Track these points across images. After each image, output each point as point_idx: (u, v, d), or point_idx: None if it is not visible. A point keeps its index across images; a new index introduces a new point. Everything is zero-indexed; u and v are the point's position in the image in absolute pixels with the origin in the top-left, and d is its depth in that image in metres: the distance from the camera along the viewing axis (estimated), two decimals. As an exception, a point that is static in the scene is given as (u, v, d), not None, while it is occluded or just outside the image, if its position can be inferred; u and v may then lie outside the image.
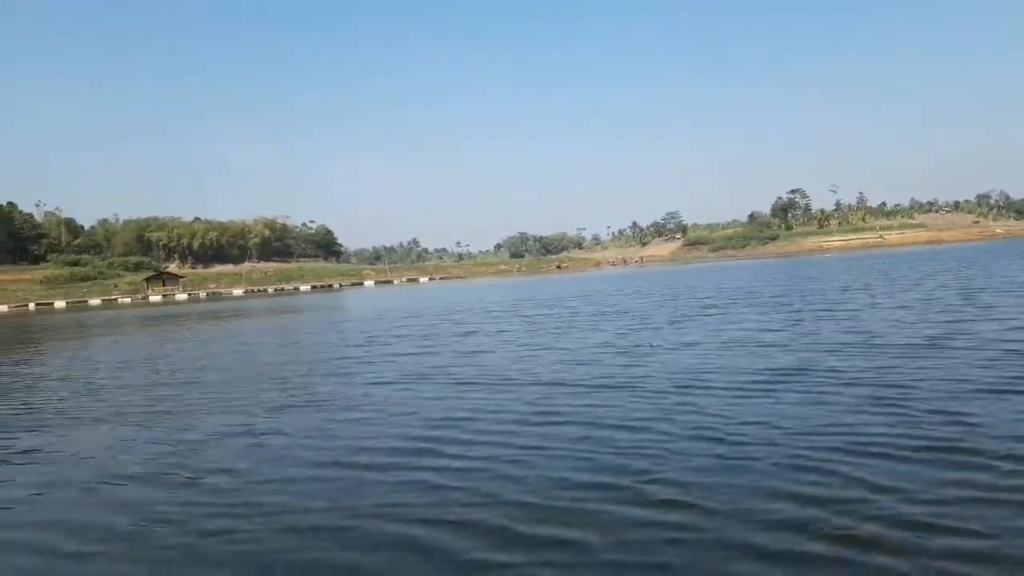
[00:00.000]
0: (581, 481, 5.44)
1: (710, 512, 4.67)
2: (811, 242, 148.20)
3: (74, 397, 11.77)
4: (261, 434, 7.89)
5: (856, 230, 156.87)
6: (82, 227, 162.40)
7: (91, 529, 5.22)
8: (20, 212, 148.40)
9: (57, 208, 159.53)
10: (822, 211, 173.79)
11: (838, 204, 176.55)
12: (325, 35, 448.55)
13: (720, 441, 6.21)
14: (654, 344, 13.03)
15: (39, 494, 6.21)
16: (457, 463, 6.15)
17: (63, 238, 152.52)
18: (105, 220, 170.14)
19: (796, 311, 18.06)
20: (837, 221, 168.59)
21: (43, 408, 10.85)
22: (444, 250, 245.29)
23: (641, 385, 9.08)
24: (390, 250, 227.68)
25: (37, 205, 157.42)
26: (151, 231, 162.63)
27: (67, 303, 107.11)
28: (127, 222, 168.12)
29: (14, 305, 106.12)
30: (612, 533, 4.42)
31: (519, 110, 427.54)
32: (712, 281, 40.55)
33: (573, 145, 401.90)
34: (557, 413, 7.82)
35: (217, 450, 7.32)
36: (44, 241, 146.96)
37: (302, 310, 41.94)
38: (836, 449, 5.74)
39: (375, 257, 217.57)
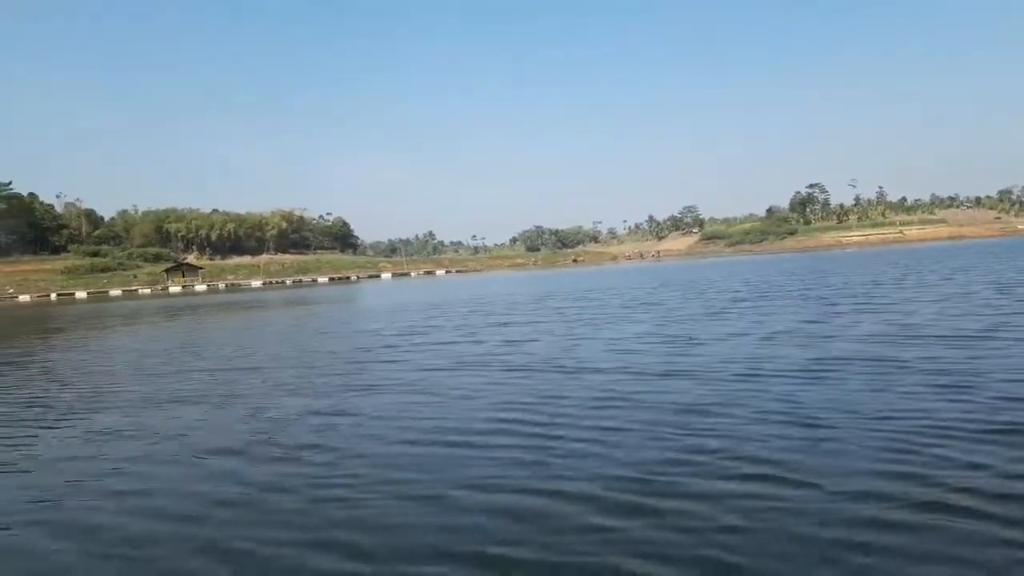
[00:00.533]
0: (666, 458, 5.61)
1: (797, 484, 4.85)
2: (830, 237, 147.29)
3: (136, 381, 12.08)
4: (334, 414, 8.14)
5: (875, 225, 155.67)
6: (102, 218, 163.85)
7: (197, 496, 5.46)
8: (41, 203, 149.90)
9: (77, 199, 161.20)
10: (841, 206, 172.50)
11: (857, 199, 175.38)
12: (329, 32, 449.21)
13: (795, 423, 6.37)
14: (693, 337, 13.09)
15: (134, 467, 6.45)
16: (540, 441, 6.36)
17: (83, 229, 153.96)
18: (124, 211, 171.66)
19: (832, 304, 18.12)
20: (856, 216, 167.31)
21: (108, 391, 11.15)
22: (460, 243, 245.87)
23: (701, 372, 9.25)
24: (406, 243, 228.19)
25: (58, 196, 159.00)
26: (170, 222, 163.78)
27: (88, 294, 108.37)
28: (146, 213, 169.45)
29: (37, 295, 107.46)
30: (706, 502, 4.61)
31: (534, 105, 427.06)
32: (734, 275, 40.55)
33: (590, 139, 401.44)
34: (623, 398, 7.98)
35: (298, 428, 7.57)
36: (64, 232, 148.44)
37: (326, 302, 42.30)
38: (912, 432, 5.87)
39: (391, 250, 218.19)
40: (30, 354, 18.68)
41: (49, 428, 8.51)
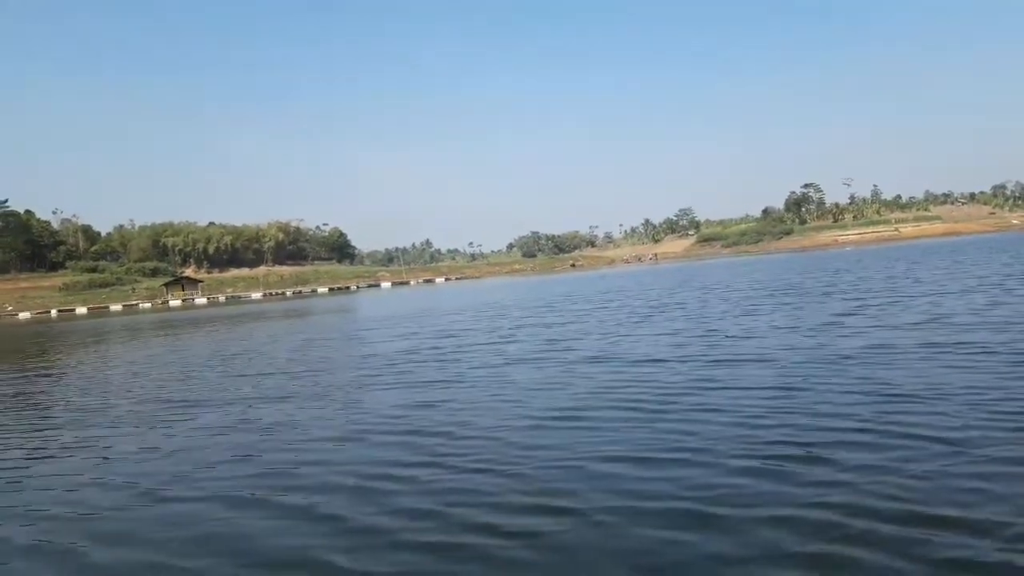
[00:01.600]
0: (768, 438, 5.93)
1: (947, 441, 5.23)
2: (826, 236, 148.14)
3: (207, 385, 12.40)
4: (438, 403, 8.74)
5: (871, 223, 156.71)
6: (99, 233, 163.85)
7: (387, 463, 6.07)
8: (38, 220, 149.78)
9: (74, 215, 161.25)
10: (836, 205, 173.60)
11: (852, 198, 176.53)
12: (332, 35, 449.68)
13: (895, 397, 6.81)
14: (729, 334, 13.34)
15: (301, 447, 7.03)
16: (640, 415, 6.99)
17: (80, 245, 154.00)
18: (121, 226, 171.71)
19: (856, 299, 18.48)
20: (852, 215, 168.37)
21: (207, 390, 11.59)
22: (456, 250, 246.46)
23: (771, 358, 9.73)
24: (403, 251, 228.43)
25: (54, 212, 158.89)
26: (167, 236, 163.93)
27: (88, 309, 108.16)
28: (143, 228, 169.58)
29: (36, 312, 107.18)
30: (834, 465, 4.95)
31: (527, 110, 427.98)
32: (742, 275, 40.94)
33: (584, 143, 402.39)
34: (698, 384, 8.40)
35: (419, 416, 8.07)
36: (62, 248, 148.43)
37: (339, 311, 42.56)
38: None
39: (388, 259, 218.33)
40: (104, 359, 18.98)
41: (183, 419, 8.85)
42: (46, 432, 9.07)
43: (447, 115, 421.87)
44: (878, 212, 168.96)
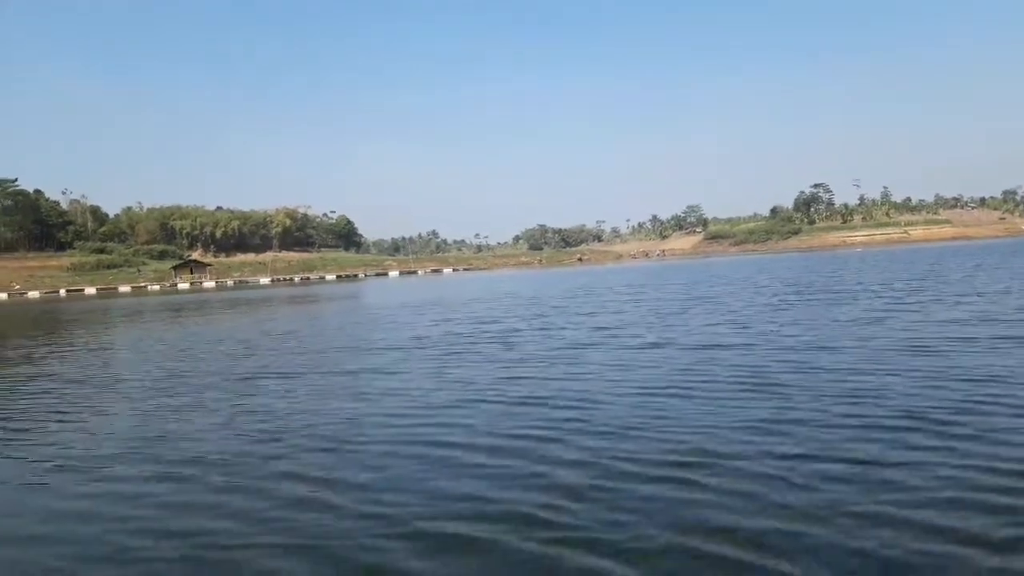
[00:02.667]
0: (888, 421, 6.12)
1: None
2: (834, 237, 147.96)
3: (274, 359, 12.63)
4: (522, 379, 9.11)
5: (880, 225, 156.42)
6: (107, 215, 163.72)
7: (489, 432, 6.26)
8: (47, 200, 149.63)
9: (83, 196, 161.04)
10: (845, 206, 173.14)
11: (862, 199, 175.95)
12: (343, 26, 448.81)
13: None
14: (774, 328, 13.44)
15: (407, 416, 7.32)
16: (739, 384, 7.33)
17: (89, 226, 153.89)
18: (129, 208, 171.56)
19: (894, 295, 18.62)
20: (861, 216, 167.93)
21: (297, 362, 11.77)
22: (463, 242, 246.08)
23: (862, 346, 9.99)
24: (409, 241, 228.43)
25: (64, 193, 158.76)
26: (174, 219, 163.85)
27: (97, 290, 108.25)
28: (151, 210, 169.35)
29: (45, 291, 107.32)
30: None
31: (535, 102, 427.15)
32: (758, 272, 41.06)
33: (592, 137, 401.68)
34: (776, 366, 8.72)
35: (529, 389, 8.48)
36: (70, 228, 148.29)
37: (355, 297, 42.78)
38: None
39: (394, 248, 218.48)
40: (151, 335, 19.17)
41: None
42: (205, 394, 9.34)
43: (454, 107, 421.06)
44: (887, 214, 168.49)
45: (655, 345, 11.69)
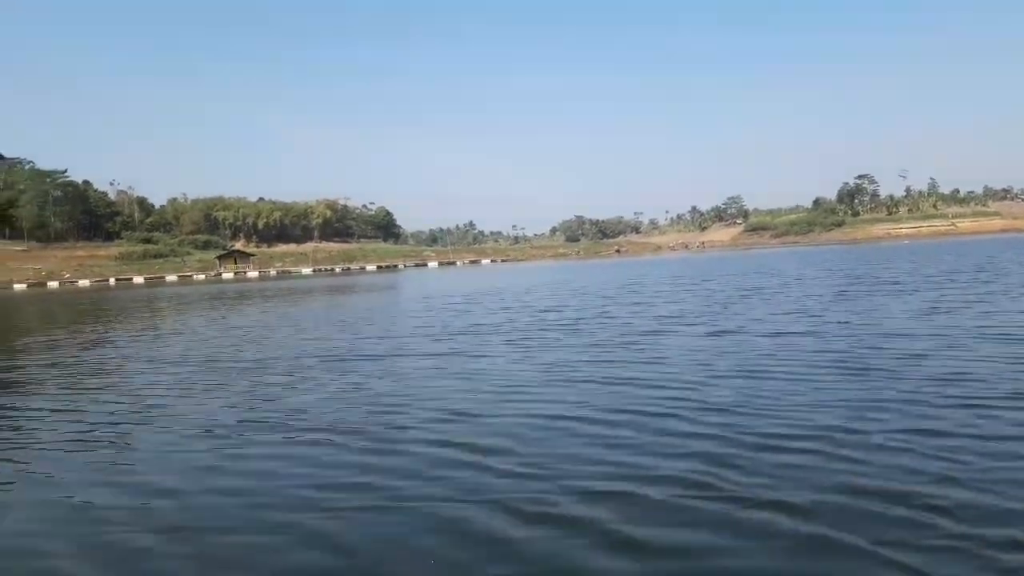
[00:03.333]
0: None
1: None
2: (879, 229, 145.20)
3: (357, 343, 13.25)
4: (606, 363, 9.43)
5: (927, 217, 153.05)
6: (153, 205, 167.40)
7: (604, 408, 6.47)
8: (95, 190, 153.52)
9: (130, 187, 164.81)
10: (891, 197, 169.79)
11: (908, 190, 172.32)
12: (381, 20, 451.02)
13: None
14: (844, 316, 13.52)
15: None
16: (827, 368, 7.66)
17: (136, 216, 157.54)
18: (174, 199, 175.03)
19: (956, 286, 18.55)
20: (907, 208, 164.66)
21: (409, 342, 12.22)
22: (499, 233, 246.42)
23: (939, 334, 10.19)
24: (446, 232, 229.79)
25: (111, 184, 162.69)
26: (218, 210, 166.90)
27: (145, 279, 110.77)
28: (195, 201, 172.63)
29: (94, 280, 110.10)
30: None
31: (572, 93, 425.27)
32: (806, 264, 40.71)
33: (630, 127, 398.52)
34: (871, 353, 8.89)
35: (599, 369, 8.87)
36: (118, 219, 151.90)
37: (401, 287, 43.42)
38: None
39: (432, 239, 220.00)
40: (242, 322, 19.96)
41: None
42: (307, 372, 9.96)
43: (492, 97, 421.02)
44: (934, 206, 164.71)
45: (727, 332, 11.92)
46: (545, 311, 18.71)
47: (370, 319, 19.35)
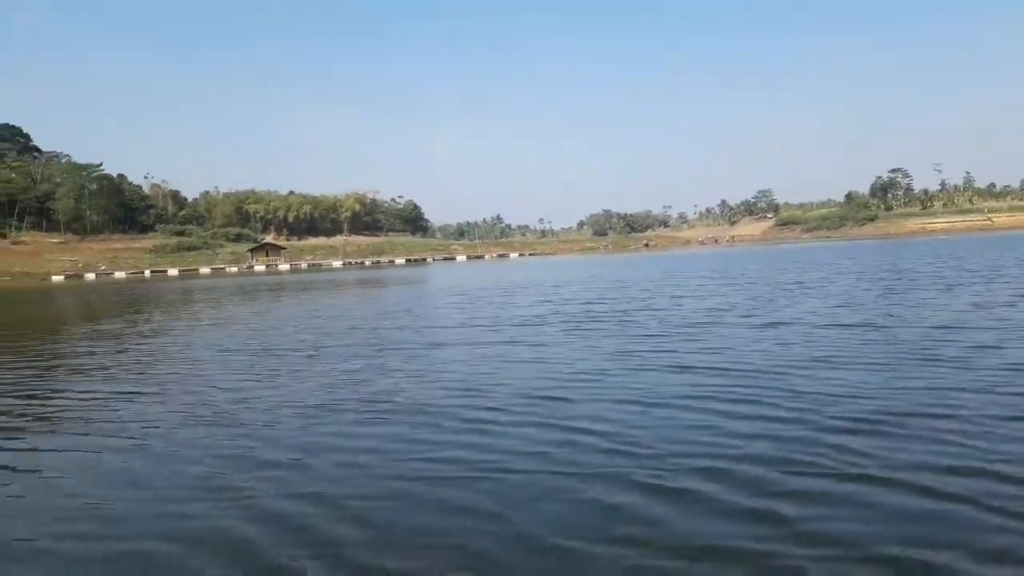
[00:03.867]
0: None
1: None
2: (913, 224, 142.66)
3: (412, 334, 13.68)
4: (667, 352, 9.52)
5: (962, 212, 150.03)
6: (186, 199, 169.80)
7: (685, 396, 6.69)
8: (129, 184, 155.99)
9: (163, 180, 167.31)
10: (925, 191, 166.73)
11: (943, 184, 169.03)
12: (411, 14, 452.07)
13: None
14: (896, 309, 13.55)
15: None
16: (894, 357, 7.56)
17: (169, 209, 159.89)
18: (207, 192, 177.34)
19: (1009, 280, 18.40)
20: (942, 202, 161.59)
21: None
22: (527, 227, 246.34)
23: (1001, 326, 10.35)
24: (473, 226, 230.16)
25: (145, 177, 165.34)
26: (249, 203, 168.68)
27: (179, 271, 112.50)
28: (227, 195, 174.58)
29: (130, 272, 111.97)
30: None
31: (600, 85, 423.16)
32: (843, 258, 40.32)
33: (657, 120, 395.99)
34: (934, 343, 9.03)
35: (661, 357, 8.92)
36: (152, 212, 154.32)
37: (434, 280, 43.74)
38: None
39: (459, 233, 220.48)
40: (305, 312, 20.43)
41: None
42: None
43: (520, 91, 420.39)
44: (970, 201, 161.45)
45: (783, 323, 12.04)
46: (589, 303, 18.88)
47: (416, 311, 19.70)
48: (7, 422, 7.29)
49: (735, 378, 7.45)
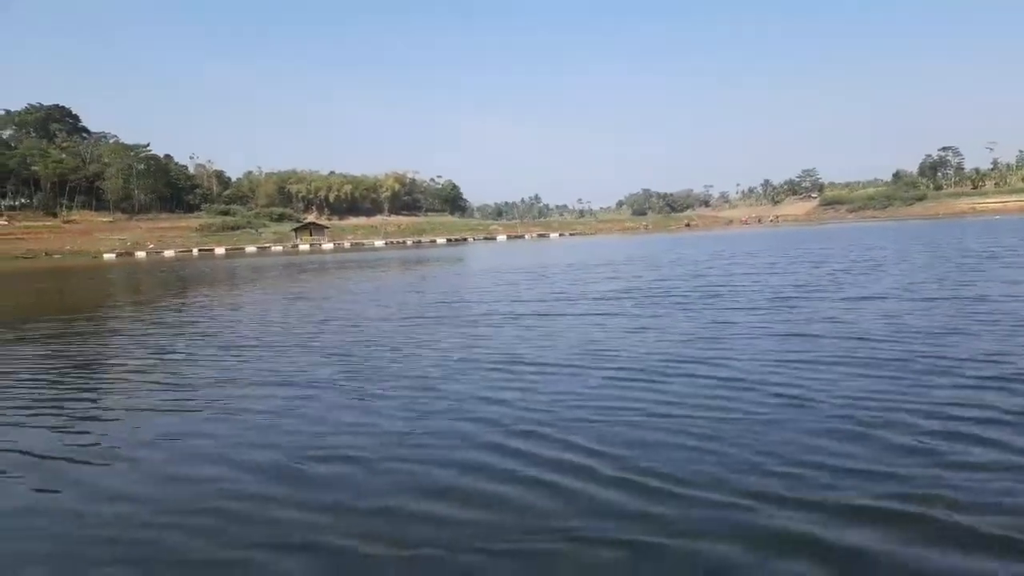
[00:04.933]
0: None
1: None
2: (963, 203, 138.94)
3: (488, 308, 14.02)
4: (792, 321, 9.64)
5: (1014, 191, 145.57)
6: (230, 179, 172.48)
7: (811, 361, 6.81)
8: (176, 164, 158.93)
9: (208, 160, 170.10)
10: (976, 171, 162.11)
11: (995, 163, 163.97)
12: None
13: None
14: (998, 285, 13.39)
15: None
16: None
17: (214, 189, 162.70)
18: (250, 172, 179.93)
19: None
20: (993, 181, 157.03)
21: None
22: (564, 206, 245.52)
23: None
24: (512, 205, 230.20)
25: (191, 158, 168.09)
26: (291, 183, 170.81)
27: (226, 250, 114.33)
28: (269, 175, 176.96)
29: (178, 250, 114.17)
30: None
31: (640, 64, 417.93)
32: (900, 237, 39.66)
33: (698, 99, 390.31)
34: None
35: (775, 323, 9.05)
36: (197, 192, 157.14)
37: (480, 258, 44.09)
38: None
39: (497, 213, 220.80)
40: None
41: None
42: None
43: (559, 71, 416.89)
44: (1023, 179, 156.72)
45: (874, 298, 11.95)
46: (661, 280, 18.87)
47: (481, 288, 19.65)
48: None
49: (864, 343, 7.71)
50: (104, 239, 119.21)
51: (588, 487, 4.02)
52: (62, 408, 6.59)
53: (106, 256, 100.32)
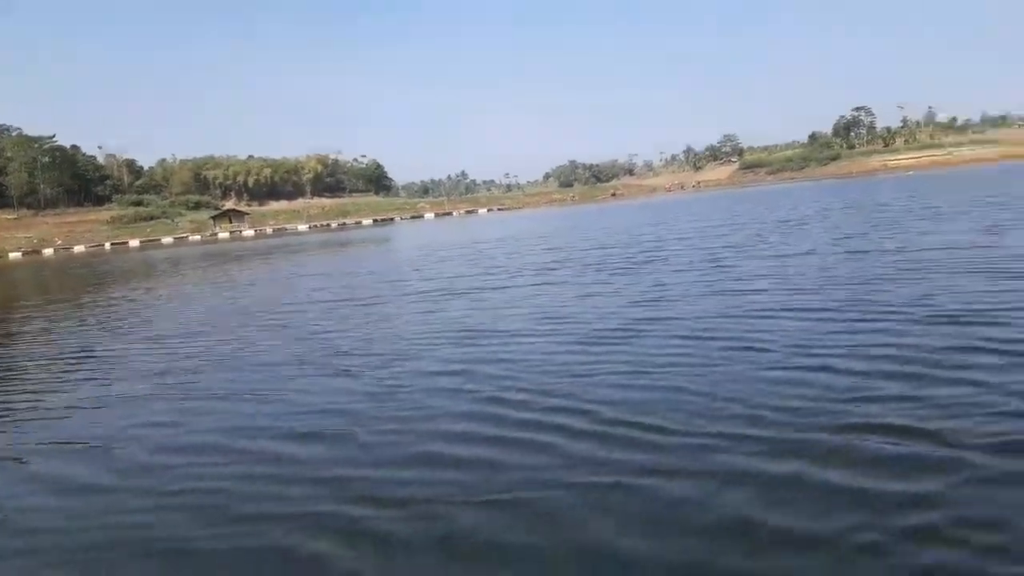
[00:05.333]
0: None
1: None
2: (875, 161, 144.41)
3: (446, 283, 14.04)
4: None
5: (923, 147, 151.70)
6: (142, 168, 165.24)
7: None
8: (83, 155, 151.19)
9: (119, 150, 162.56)
10: (888, 129, 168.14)
11: (905, 121, 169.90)
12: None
13: None
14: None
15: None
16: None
17: (125, 179, 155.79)
18: (163, 160, 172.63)
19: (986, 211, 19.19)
20: (903, 139, 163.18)
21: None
22: (492, 182, 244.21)
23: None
24: (438, 183, 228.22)
25: (99, 148, 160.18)
26: (207, 169, 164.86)
27: (140, 242, 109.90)
28: (184, 161, 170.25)
29: (89, 245, 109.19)
30: None
31: (562, 32, 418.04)
32: (816, 198, 41.16)
33: (617, 67, 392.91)
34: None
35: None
36: (107, 183, 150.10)
37: (410, 237, 43.73)
38: None
39: (424, 190, 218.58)
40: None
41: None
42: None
43: (479, 43, 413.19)
44: (931, 136, 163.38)
45: (806, 253, 12.55)
46: (598, 248, 19.25)
47: (425, 264, 19.69)
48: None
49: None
50: (9, 238, 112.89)
51: (564, 441, 4.24)
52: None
53: (11, 255, 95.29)
